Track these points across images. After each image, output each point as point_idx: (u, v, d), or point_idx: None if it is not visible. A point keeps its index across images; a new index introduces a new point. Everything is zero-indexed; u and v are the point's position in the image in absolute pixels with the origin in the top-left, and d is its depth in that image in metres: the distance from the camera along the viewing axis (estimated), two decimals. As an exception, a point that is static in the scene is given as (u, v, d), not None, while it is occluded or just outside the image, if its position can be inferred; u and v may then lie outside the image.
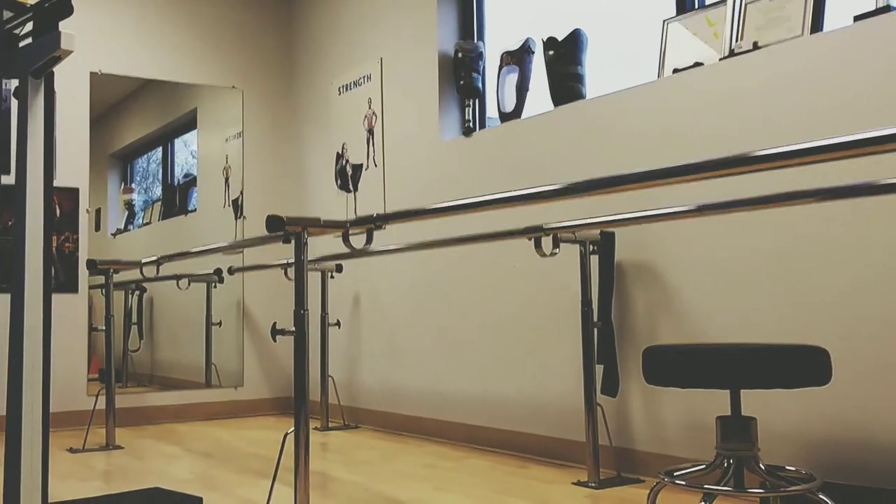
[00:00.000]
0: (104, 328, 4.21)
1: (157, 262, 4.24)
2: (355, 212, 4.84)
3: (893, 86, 2.48)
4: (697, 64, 3.07)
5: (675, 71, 3.14)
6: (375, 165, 4.73)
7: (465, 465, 3.50)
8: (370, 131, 4.79)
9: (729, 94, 2.92)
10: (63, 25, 1.70)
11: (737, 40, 2.98)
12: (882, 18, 2.53)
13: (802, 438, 2.68)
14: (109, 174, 5.40)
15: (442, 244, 3.80)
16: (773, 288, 2.77)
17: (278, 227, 2.60)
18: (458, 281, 4.13)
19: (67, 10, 1.70)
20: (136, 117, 5.53)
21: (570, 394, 3.48)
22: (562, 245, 3.13)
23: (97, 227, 5.13)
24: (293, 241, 2.65)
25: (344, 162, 4.99)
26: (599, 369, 3.20)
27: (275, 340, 2.68)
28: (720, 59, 3.00)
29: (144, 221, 5.56)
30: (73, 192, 4.95)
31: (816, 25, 2.75)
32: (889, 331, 2.47)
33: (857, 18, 2.60)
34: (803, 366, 2.17)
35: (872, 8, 2.58)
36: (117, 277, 4.38)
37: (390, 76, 4.67)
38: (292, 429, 2.54)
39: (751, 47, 2.89)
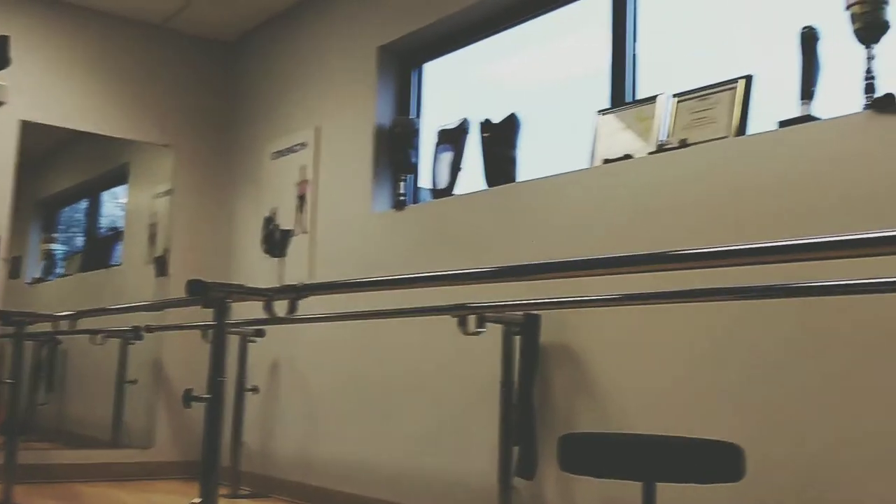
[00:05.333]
0: (12, 380, 4.04)
1: (74, 317, 4.12)
2: (281, 278, 4.79)
3: (812, 191, 2.57)
4: (627, 156, 3.15)
5: (606, 161, 3.21)
6: (305, 232, 4.71)
7: (376, 544, 3.42)
8: (301, 198, 4.77)
9: (656, 188, 2.99)
10: (-2, 76, 1.66)
11: (666, 136, 3.07)
12: (804, 126, 2.63)
13: (713, 533, 2.69)
14: (33, 222, 5.27)
15: (367, 316, 3.78)
16: (694, 381, 2.81)
17: (201, 292, 2.55)
18: (381, 352, 4.09)
19: (3, 63, 1.68)
20: (67, 167, 5.44)
21: (487, 473, 3.45)
22: (486, 324, 3.13)
23: (16, 275, 4.98)
24: (214, 308, 2.60)
25: (273, 226, 4.95)
26: (517, 451, 3.18)
27: (188, 407, 2.61)
28: (649, 154, 3.07)
29: (64, 272, 5.43)
30: (-9, 239, 4.81)
31: (742, 128, 2.85)
32: (801, 427, 2.52)
33: (781, 124, 2.70)
34: (717, 462, 2.19)
35: (796, 115, 2.69)
36: (30, 328, 4.24)
37: (326, 145, 4.68)
38: (199, 499, 2.46)
39: (678, 144, 2.97)
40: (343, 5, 4.72)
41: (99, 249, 5.55)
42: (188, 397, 2.54)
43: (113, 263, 5.46)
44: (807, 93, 2.69)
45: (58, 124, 5.06)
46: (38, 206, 5.32)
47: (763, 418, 2.61)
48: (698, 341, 2.80)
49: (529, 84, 4.01)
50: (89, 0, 5.12)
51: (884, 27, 2.51)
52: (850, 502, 2.39)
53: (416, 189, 4.34)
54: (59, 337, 5.12)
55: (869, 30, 2.51)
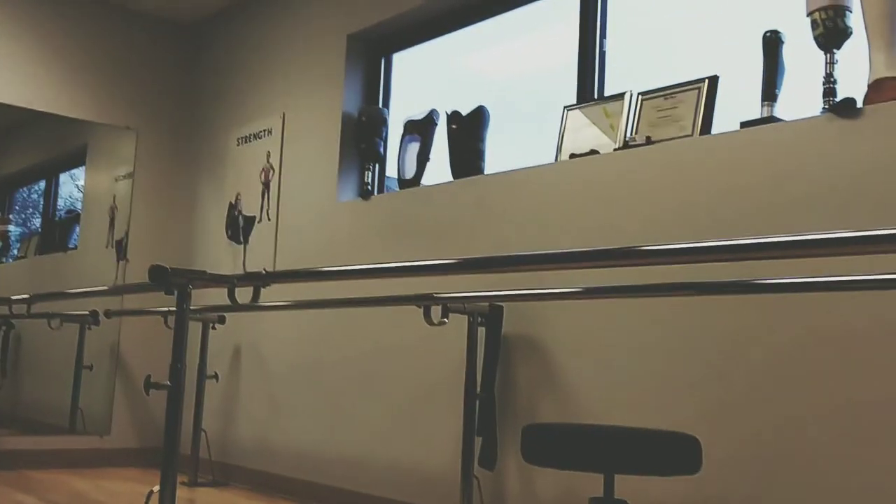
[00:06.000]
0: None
1: (29, 301, 4.07)
2: (244, 265, 4.76)
3: (773, 191, 2.61)
4: (593, 152, 3.18)
5: (572, 156, 3.24)
6: (269, 219, 4.69)
7: (335, 532, 3.43)
8: (266, 185, 4.75)
9: (621, 184, 3.02)
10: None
11: (631, 133, 3.10)
12: (766, 127, 2.67)
13: (669, 524, 2.74)
14: (-13, 203, 5.19)
15: (331, 304, 3.78)
16: (654, 372, 2.85)
17: (162, 278, 2.54)
18: (344, 340, 4.09)
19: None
20: (23, 147, 5.35)
21: (448, 464, 3.48)
22: (450, 315, 3.15)
23: (-32, 257, 4.91)
24: (176, 294, 2.58)
25: (236, 213, 4.92)
26: (479, 441, 3.20)
27: (147, 394, 2.59)
28: (615, 150, 3.11)
29: (19, 255, 5.34)
30: (-56, 220, 4.73)
31: (706, 127, 2.89)
32: (757, 419, 2.57)
33: (743, 125, 2.75)
34: (675, 454, 2.23)
35: (758, 116, 2.73)
36: (-16, 312, 4.18)
37: (292, 132, 4.66)
38: (157, 487, 2.45)
39: (644, 141, 3.01)
40: (311, -8, 4.70)
41: (56, 232, 5.46)
42: (149, 384, 2.53)
43: (71, 246, 5.39)
44: (769, 95, 2.74)
45: (15, 104, 4.97)
46: (-8, 187, 5.24)
47: (720, 410, 2.65)
48: (659, 334, 2.84)
49: (498, 77, 4.03)
50: (51, -21, 5.04)
51: (844, 33, 2.55)
52: (803, 492, 2.45)
53: (383, 179, 4.34)
54: (14, 321, 5.05)
55: (829, 36, 2.55)
